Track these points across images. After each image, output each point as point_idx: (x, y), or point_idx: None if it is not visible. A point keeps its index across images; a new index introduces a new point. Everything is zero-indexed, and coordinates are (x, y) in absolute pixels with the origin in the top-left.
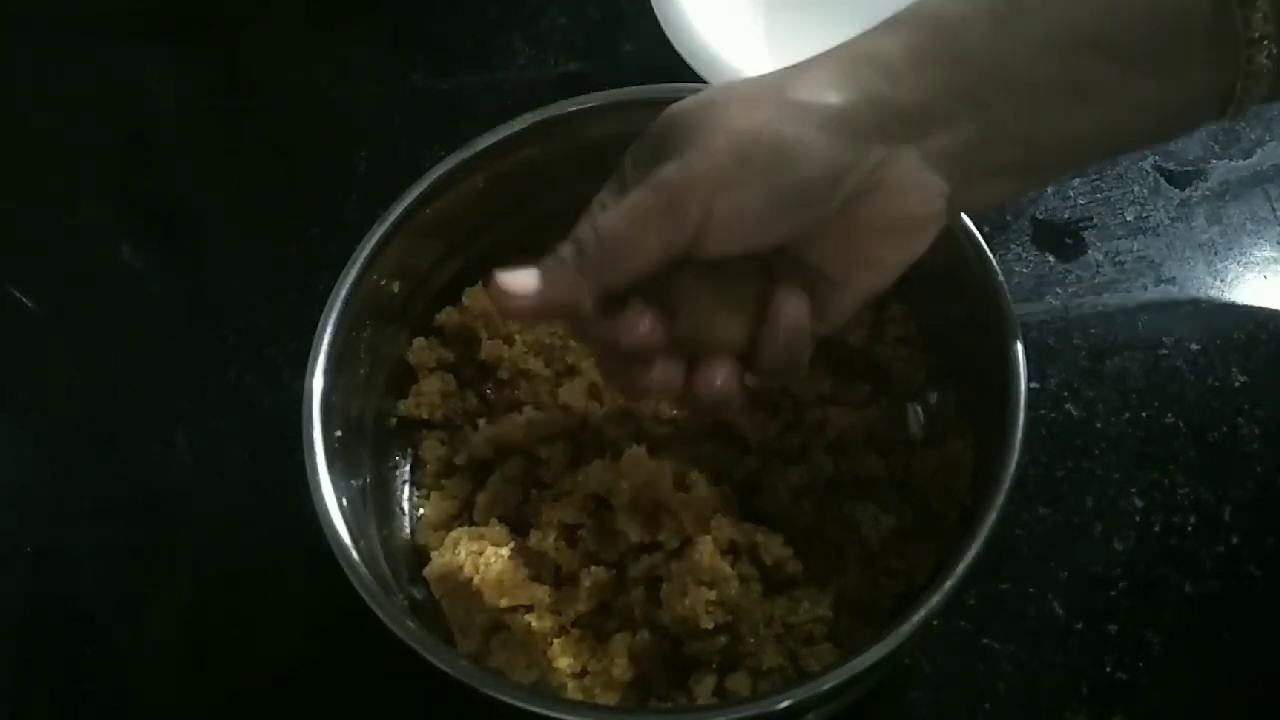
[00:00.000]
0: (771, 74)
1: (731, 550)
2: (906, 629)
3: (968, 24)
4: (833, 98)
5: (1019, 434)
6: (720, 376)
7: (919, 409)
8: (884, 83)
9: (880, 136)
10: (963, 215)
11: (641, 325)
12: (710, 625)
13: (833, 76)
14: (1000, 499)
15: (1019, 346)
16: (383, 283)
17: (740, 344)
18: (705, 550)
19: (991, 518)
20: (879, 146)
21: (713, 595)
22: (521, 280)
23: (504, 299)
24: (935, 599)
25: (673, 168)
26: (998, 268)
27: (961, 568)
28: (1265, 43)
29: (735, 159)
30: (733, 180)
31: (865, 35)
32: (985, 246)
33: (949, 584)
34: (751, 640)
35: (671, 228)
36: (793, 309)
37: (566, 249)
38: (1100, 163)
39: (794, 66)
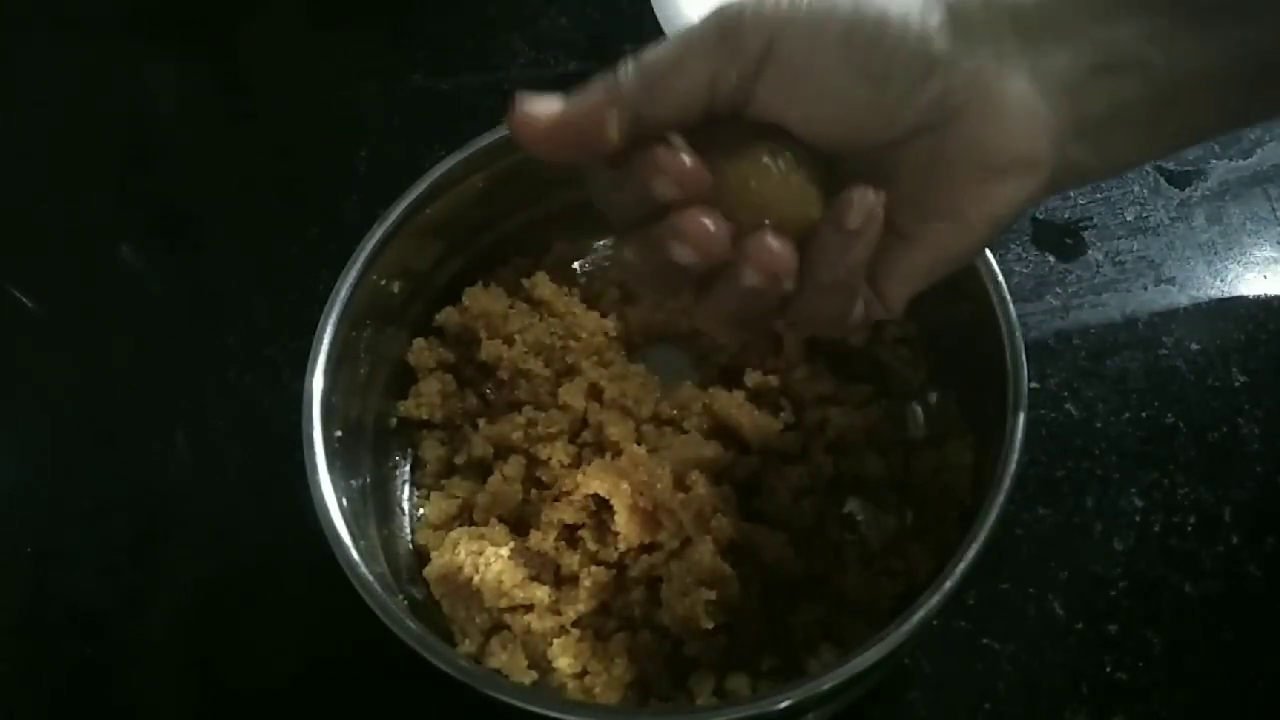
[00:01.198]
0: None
1: (731, 550)
2: (906, 629)
3: None
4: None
5: (1019, 434)
6: (779, 244)
7: (919, 409)
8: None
9: (990, 38)
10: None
11: (680, 159)
12: (710, 625)
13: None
14: (1000, 499)
15: (1019, 346)
16: (383, 283)
17: (796, 224)
18: (705, 551)
19: (992, 518)
20: (986, 50)
21: (712, 595)
22: (544, 103)
23: (523, 124)
24: (935, 599)
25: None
26: (998, 268)
27: (961, 568)
28: None
29: (816, 3)
30: (806, 24)
31: None
32: (986, 248)
33: (948, 584)
34: (751, 641)
35: (725, 55)
36: (869, 200)
37: (602, 79)
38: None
39: None
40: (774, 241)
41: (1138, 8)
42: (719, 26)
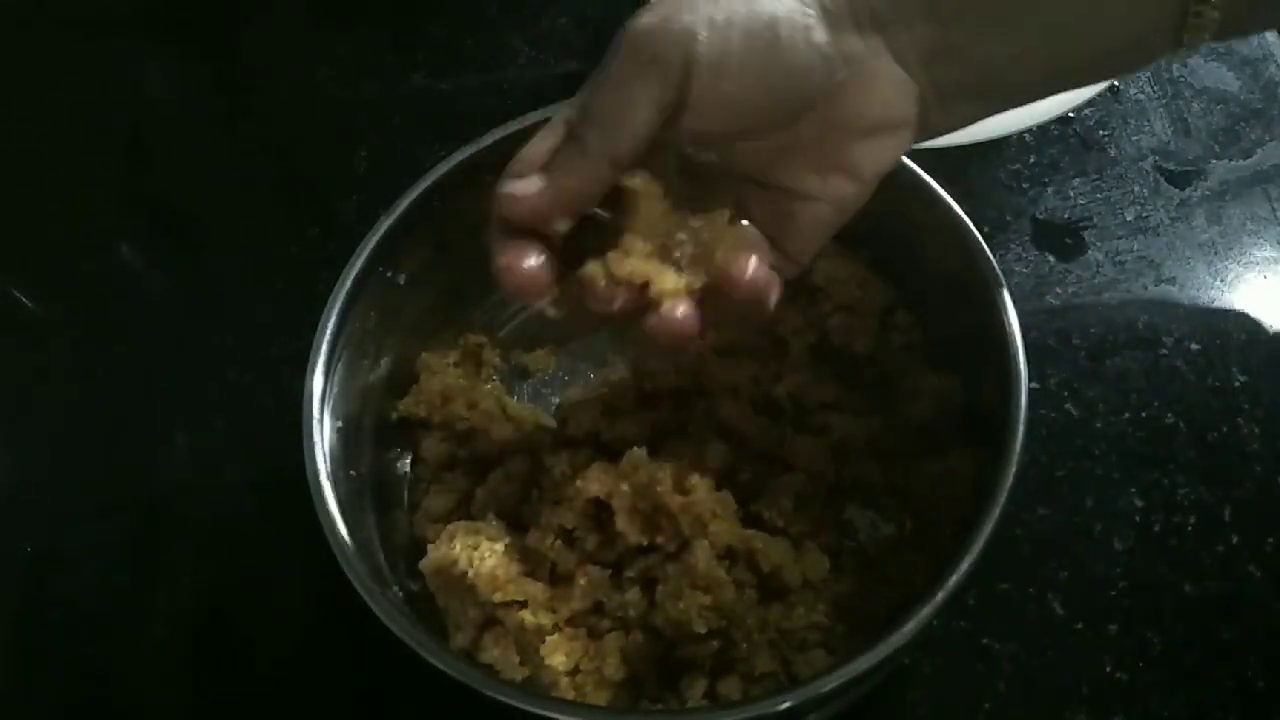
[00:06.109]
0: None
1: (728, 555)
2: (898, 638)
3: None
4: None
5: (1018, 443)
6: (679, 313)
7: (921, 417)
8: None
9: (855, 28)
10: (964, 216)
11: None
12: (703, 629)
13: None
14: (997, 510)
15: (1019, 351)
16: (382, 283)
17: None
18: (701, 554)
19: (987, 529)
20: (853, 36)
21: (707, 600)
22: (524, 184)
23: (513, 205)
24: (927, 609)
25: (644, 18)
26: (998, 269)
27: (954, 580)
28: None
29: (715, 11)
30: (714, 29)
31: None
32: (986, 247)
33: (941, 595)
34: (744, 645)
35: (657, 80)
36: (749, 265)
37: (555, 131)
38: (1057, 91)
39: None
40: (670, 315)
41: (935, 20)
42: (641, 53)
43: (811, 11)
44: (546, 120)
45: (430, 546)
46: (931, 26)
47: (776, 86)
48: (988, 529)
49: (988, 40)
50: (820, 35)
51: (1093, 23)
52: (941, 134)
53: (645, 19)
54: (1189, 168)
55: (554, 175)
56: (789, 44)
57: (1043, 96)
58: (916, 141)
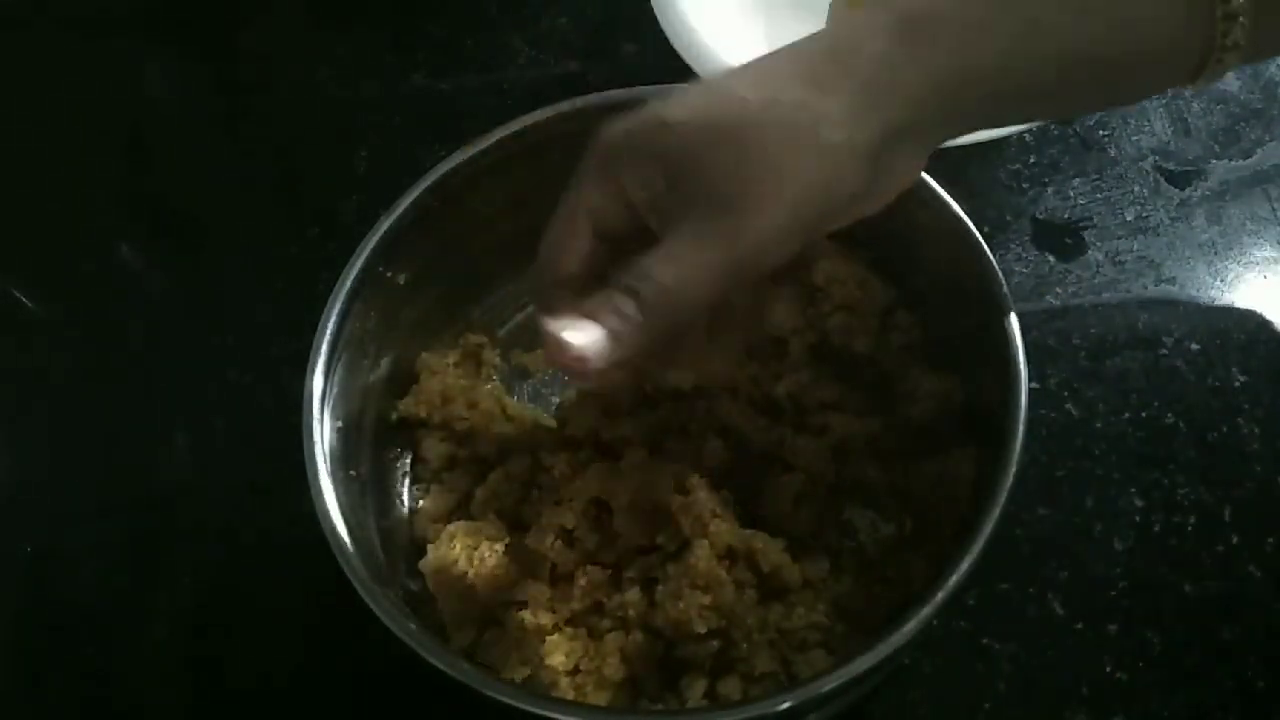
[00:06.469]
0: (784, 84)
1: (728, 555)
2: (898, 638)
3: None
4: (861, 134)
5: (1018, 443)
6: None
7: (921, 417)
8: (897, 100)
9: (892, 149)
10: (964, 216)
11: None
12: (702, 629)
13: (858, 104)
14: (997, 511)
15: (1019, 351)
16: (382, 283)
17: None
18: (701, 555)
19: (987, 529)
20: (894, 159)
21: (707, 600)
22: (584, 338)
23: (565, 357)
24: (927, 609)
25: (743, 229)
26: (999, 269)
27: (954, 580)
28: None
29: (792, 217)
30: (791, 235)
31: (850, 31)
32: (986, 247)
33: (940, 595)
34: (744, 645)
35: (736, 284)
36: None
37: (625, 304)
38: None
39: (809, 81)
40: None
41: (953, 118)
42: (736, 267)
43: (861, 166)
44: (545, 121)
45: (430, 546)
46: (948, 122)
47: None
48: (988, 529)
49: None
50: (871, 183)
51: (1104, 84)
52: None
53: (703, 123)
54: (1189, 168)
55: (612, 345)
56: (840, 205)
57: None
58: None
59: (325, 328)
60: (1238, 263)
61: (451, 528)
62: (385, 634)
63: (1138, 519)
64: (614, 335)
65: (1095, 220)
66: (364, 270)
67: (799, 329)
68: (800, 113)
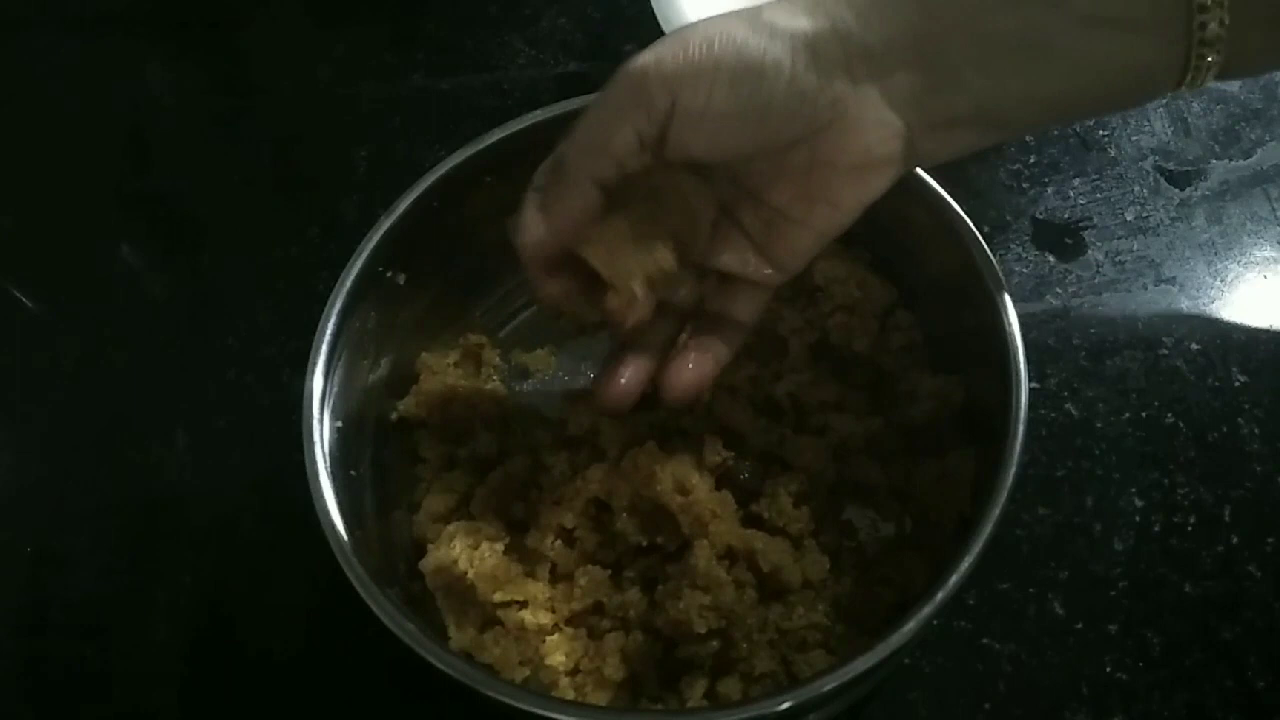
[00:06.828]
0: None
1: (728, 555)
2: (898, 638)
3: None
4: (804, 24)
5: (1019, 444)
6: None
7: (921, 417)
8: (852, 18)
9: (844, 71)
10: (964, 216)
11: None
12: (703, 630)
13: (805, 4)
14: (997, 511)
15: (1019, 351)
16: (382, 283)
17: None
18: (701, 555)
19: (987, 529)
20: (842, 80)
21: (707, 600)
22: (531, 220)
23: (525, 254)
24: (927, 609)
25: (643, 57)
26: (999, 269)
27: (954, 580)
28: (1216, 9)
29: (705, 57)
30: (701, 76)
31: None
32: (987, 248)
33: (940, 595)
34: (744, 645)
35: (643, 116)
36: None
37: (548, 166)
38: (1058, 126)
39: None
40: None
41: (964, 44)
42: (630, 90)
43: (801, 58)
44: (545, 121)
45: (430, 546)
46: (924, 68)
47: (756, 129)
48: (988, 529)
49: (982, 82)
50: (806, 81)
51: (1089, 69)
52: (939, 160)
53: (641, 59)
54: (1189, 168)
55: (548, 212)
56: (772, 90)
57: (1045, 128)
58: (908, 170)
59: (325, 328)
60: (1238, 263)
61: (451, 528)
62: (385, 634)
63: (1138, 519)
64: (551, 196)
65: (1095, 220)
66: (364, 270)
67: (799, 329)
68: (744, 9)
